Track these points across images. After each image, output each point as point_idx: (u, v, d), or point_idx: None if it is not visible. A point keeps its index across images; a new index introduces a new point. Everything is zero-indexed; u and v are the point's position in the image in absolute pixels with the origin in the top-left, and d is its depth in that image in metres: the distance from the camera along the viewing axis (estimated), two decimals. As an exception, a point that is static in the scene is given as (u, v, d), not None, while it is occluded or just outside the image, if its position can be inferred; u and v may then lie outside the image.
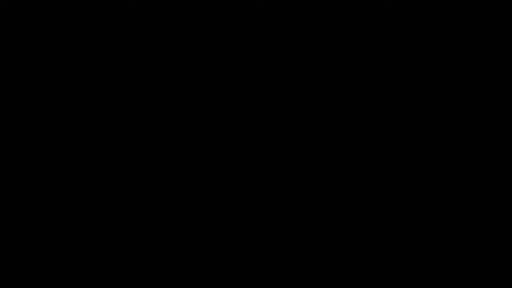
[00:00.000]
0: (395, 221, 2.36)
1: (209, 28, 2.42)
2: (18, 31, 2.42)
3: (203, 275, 2.35)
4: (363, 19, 2.40)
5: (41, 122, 2.40)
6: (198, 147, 2.40)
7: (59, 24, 2.42)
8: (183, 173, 2.39)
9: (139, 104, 2.41)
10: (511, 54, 2.38)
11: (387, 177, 2.37)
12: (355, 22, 2.40)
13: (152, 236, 2.37)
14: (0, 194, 2.37)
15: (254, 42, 2.42)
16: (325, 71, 2.41)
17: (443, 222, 2.34)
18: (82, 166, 2.39)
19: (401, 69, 2.40)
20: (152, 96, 2.41)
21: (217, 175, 2.39)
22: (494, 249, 2.32)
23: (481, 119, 2.37)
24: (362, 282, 2.33)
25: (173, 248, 2.36)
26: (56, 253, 2.36)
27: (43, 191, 2.38)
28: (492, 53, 2.38)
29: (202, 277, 2.35)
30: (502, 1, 2.39)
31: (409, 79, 2.39)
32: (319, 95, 2.40)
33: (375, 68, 2.40)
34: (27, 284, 2.34)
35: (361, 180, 2.37)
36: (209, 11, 2.42)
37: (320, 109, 2.40)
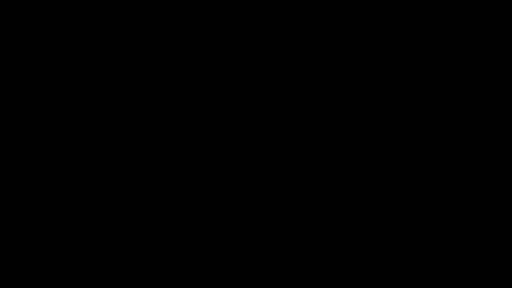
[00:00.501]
0: (395, 221, 2.36)
1: (209, 28, 2.42)
2: (18, 31, 2.42)
3: (203, 275, 2.35)
4: (363, 19, 2.40)
5: (41, 122, 2.40)
6: (198, 147, 2.40)
7: (59, 24, 2.42)
8: (183, 173, 2.39)
9: (139, 104, 2.41)
10: (511, 54, 2.38)
11: (387, 177, 2.37)
12: (355, 22, 2.40)
13: (152, 236, 2.37)
14: (0, 194, 2.38)
15: (254, 42, 2.42)
16: (325, 71, 2.41)
17: (443, 222, 2.35)
18: (82, 166, 2.39)
19: (401, 69, 2.40)
20: (152, 96, 2.41)
21: (217, 175, 2.39)
22: (494, 249, 2.33)
23: (481, 119, 2.37)
24: (362, 282, 2.33)
25: (173, 248, 2.36)
26: (56, 253, 2.36)
27: (43, 191, 2.38)
28: (492, 53, 2.38)
29: (202, 277, 2.35)
30: (502, 1, 2.39)
31: (409, 79, 2.39)
32: (319, 95, 2.40)
33: (375, 68, 2.40)
34: (27, 284, 2.34)
35: (361, 180, 2.37)
36: (209, 11, 2.42)
37: (320, 109, 2.40)
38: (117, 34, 2.42)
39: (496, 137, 2.36)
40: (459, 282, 2.32)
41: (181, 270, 2.35)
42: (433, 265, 2.33)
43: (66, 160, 2.39)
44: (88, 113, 2.41)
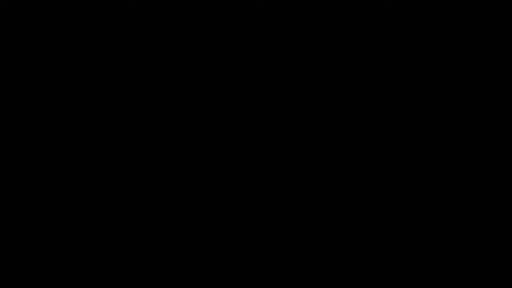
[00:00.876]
0: (395, 221, 2.36)
1: (209, 28, 2.42)
2: (18, 31, 2.42)
3: (203, 275, 2.35)
4: (363, 19, 2.40)
5: (41, 122, 2.40)
6: (198, 147, 2.40)
7: (59, 24, 2.42)
8: (183, 173, 2.39)
9: (139, 104, 2.41)
10: (511, 54, 2.38)
11: (387, 177, 2.37)
12: (355, 22, 2.40)
13: (152, 236, 2.37)
14: (0, 194, 2.38)
15: (254, 42, 2.42)
16: (325, 71, 2.41)
17: (443, 222, 2.35)
18: (82, 166, 2.39)
19: (401, 69, 2.40)
20: (152, 96, 2.41)
21: (217, 175, 2.39)
22: (494, 249, 2.33)
23: (481, 119, 2.37)
24: (362, 282, 2.33)
25: (173, 248, 2.36)
26: (56, 253, 2.36)
27: (43, 191, 2.38)
28: (492, 53, 2.38)
29: (202, 277, 2.35)
30: (502, 1, 2.39)
31: (409, 79, 2.39)
32: (319, 95, 2.40)
33: (375, 68, 2.40)
34: (27, 284, 2.34)
35: (361, 180, 2.37)
36: (209, 11, 2.42)
37: (320, 109, 2.40)
38: (117, 34, 2.42)
39: (496, 137, 2.36)
40: (459, 282, 2.32)
41: (181, 270, 2.35)
42: (433, 265, 2.33)
43: (66, 160, 2.39)
44: (88, 113, 2.41)
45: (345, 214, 2.37)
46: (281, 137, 2.39)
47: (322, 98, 2.40)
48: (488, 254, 2.32)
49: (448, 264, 2.33)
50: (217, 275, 2.35)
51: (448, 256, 2.33)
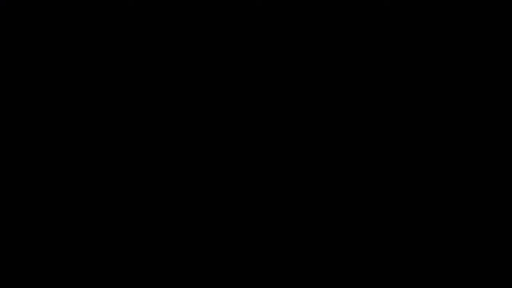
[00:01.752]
0: (395, 221, 2.36)
1: (209, 28, 2.42)
2: (18, 31, 2.42)
3: (203, 275, 2.35)
4: (363, 19, 2.40)
5: (41, 122, 2.40)
6: (198, 147, 2.40)
7: (59, 24, 2.42)
8: (183, 173, 2.39)
9: (139, 104, 2.41)
10: (511, 54, 2.38)
11: (387, 177, 2.37)
12: (355, 22, 2.40)
13: (152, 236, 2.37)
14: (0, 194, 2.38)
15: (254, 42, 2.42)
16: (325, 71, 2.41)
17: (443, 222, 2.35)
18: (82, 166, 2.39)
19: (401, 69, 2.40)
20: (152, 96, 2.41)
21: (217, 175, 2.39)
22: (494, 249, 2.33)
23: (481, 119, 2.37)
24: (362, 282, 2.33)
25: (173, 248, 2.36)
26: (56, 253, 2.36)
27: (43, 191, 2.38)
28: (492, 53, 2.38)
29: (202, 277, 2.35)
30: (502, 1, 2.39)
31: (409, 79, 2.39)
32: (319, 95, 2.40)
33: (375, 68, 2.40)
34: (27, 284, 2.34)
35: (361, 180, 2.37)
36: (209, 11, 2.42)
37: (320, 109, 2.40)
38: (117, 34, 2.42)
39: (496, 137, 2.36)
40: (459, 282, 2.32)
41: (181, 270, 2.35)
42: (433, 265, 2.33)
43: (66, 160, 2.39)
44: (88, 113, 2.41)
45: (345, 214, 2.37)
46: (281, 137, 2.40)
47: (322, 98, 2.40)
48: (488, 254, 2.32)
49: (448, 264, 2.33)
50: (217, 275, 2.35)
51: (448, 256, 2.33)
